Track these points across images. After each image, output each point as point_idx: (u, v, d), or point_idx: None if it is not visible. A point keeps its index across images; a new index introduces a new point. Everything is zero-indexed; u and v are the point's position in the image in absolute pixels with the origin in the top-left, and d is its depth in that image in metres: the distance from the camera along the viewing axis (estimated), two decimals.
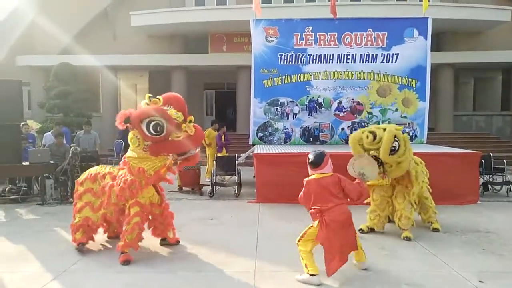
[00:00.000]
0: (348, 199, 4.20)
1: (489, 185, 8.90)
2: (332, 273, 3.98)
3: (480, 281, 4.11)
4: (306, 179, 4.21)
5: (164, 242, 5.28)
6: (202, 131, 4.88)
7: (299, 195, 4.28)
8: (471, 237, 5.67)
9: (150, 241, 5.19)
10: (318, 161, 4.13)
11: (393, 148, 5.00)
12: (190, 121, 4.65)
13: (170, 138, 4.51)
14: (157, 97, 4.68)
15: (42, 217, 6.95)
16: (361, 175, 4.54)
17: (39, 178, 8.07)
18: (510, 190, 8.73)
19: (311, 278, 3.97)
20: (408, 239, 5.43)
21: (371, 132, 5.13)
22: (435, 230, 5.94)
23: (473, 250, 5.14)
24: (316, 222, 4.07)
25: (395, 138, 5.02)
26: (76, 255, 4.93)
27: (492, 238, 5.64)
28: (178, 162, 4.78)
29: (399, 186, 5.59)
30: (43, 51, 17.82)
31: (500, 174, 9.12)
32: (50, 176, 8.03)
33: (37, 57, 17.75)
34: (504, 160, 9.60)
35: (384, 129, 5.13)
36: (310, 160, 4.17)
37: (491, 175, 9.14)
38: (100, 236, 5.48)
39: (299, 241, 4.15)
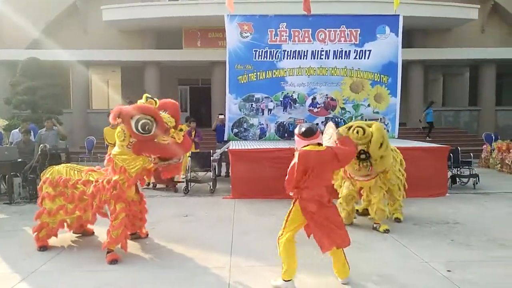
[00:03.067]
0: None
1: (457, 178, 9.20)
2: (326, 250, 3.83)
3: (448, 271, 4.26)
4: (301, 149, 3.78)
5: (135, 236, 5.30)
6: (190, 142, 4.85)
7: (289, 171, 3.81)
8: (440, 228, 5.86)
9: None
10: (312, 129, 3.82)
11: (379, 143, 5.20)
12: (181, 130, 4.64)
13: (156, 140, 4.47)
14: (155, 99, 4.60)
15: (10, 217, 6.72)
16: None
17: (7, 176, 7.79)
18: (477, 183, 9.05)
19: (284, 283, 3.81)
20: (387, 231, 5.59)
21: (359, 127, 5.28)
22: (397, 219, 6.14)
23: (442, 241, 5.31)
24: (292, 206, 3.86)
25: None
26: (46, 255, 4.80)
27: (460, 229, 5.84)
28: (161, 168, 4.75)
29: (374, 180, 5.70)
30: (9, 45, 17.18)
31: (467, 167, 9.45)
32: (18, 174, 7.77)
33: (3, 51, 17.10)
34: (471, 154, 9.96)
35: (367, 125, 5.35)
36: (303, 130, 3.83)
37: (459, 169, 9.45)
38: (68, 234, 5.38)
39: (281, 237, 3.85)
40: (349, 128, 5.36)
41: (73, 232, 5.45)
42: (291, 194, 3.93)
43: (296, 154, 3.85)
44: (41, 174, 5.24)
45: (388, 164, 5.48)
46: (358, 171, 5.42)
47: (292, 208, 3.90)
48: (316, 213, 3.77)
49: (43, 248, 4.97)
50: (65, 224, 5.18)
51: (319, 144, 3.89)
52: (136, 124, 4.38)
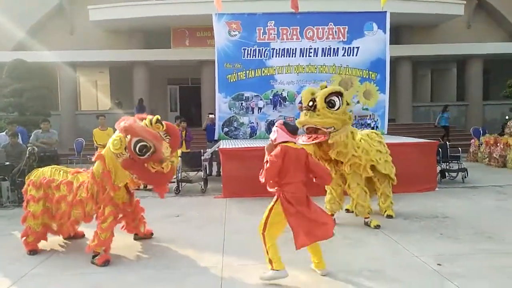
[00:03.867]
0: (314, 178, 4.08)
1: (446, 173, 9.31)
2: (301, 247, 3.87)
3: (438, 264, 4.31)
4: (282, 145, 3.91)
5: (138, 236, 5.34)
6: (173, 171, 4.80)
7: (268, 166, 3.86)
8: (429, 223, 5.93)
9: (114, 240, 5.07)
10: (296, 128, 4.01)
11: (332, 101, 5.09)
12: (172, 162, 4.64)
13: (146, 164, 4.45)
14: (163, 123, 4.53)
15: None
16: None
17: None
18: (466, 177, 9.16)
19: (277, 273, 3.87)
20: (378, 227, 5.60)
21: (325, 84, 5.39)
22: (389, 216, 6.17)
23: (431, 235, 5.37)
24: (274, 201, 3.93)
25: (338, 96, 5.13)
26: (36, 259, 4.75)
27: (449, 223, 5.91)
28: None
29: (350, 173, 5.65)
30: None
31: (456, 161, 9.56)
32: (6, 178, 7.67)
33: None
34: (459, 149, 10.08)
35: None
36: (292, 127, 4.00)
37: (447, 163, 9.56)
38: (58, 237, 5.33)
39: (264, 231, 3.91)
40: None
41: (63, 237, 5.38)
42: (271, 190, 3.99)
43: (271, 149, 3.98)
44: (26, 177, 5.18)
45: (328, 124, 5.12)
46: (300, 116, 5.35)
47: (273, 206, 3.94)
48: (298, 209, 3.83)
49: (33, 252, 4.92)
50: (49, 228, 5.10)
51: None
52: (135, 144, 4.35)
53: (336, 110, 5.14)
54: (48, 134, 9.14)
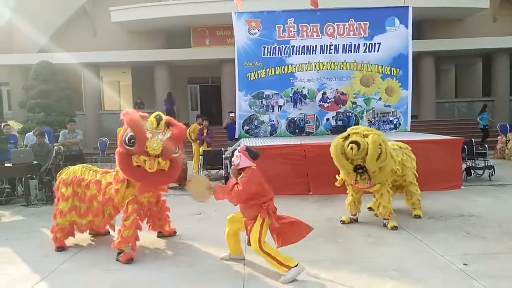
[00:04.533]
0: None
1: (472, 170, 9.08)
2: (285, 245, 4.03)
3: (464, 264, 4.22)
4: (250, 166, 4.10)
5: (161, 234, 5.44)
6: (174, 176, 4.75)
7: (241, 187, 3.98)
8: (455, 222, 5.80)
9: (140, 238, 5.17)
10: (258, 154, 4.20)
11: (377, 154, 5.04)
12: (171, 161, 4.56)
13: (132, 158, 4.44)
14: (162, 115, 4.57)
15: (27, 219, 6.85)
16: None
17: (23, 179, 7.94)
18: (492, 174, 8.92)
19: (295, 269, 3.91)
20: (395, 228, 5.47)
21: (353, 142, 5.07)
22: (417, 216, 6.04)
23: (457, 234, 5.26)
24: (260, 219, 4.04)
25: (379, 146, 5.05)
26: (64, 255, 4.89)
27: (475, 221, 5.77)
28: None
29: (376, 174, 5.56)
30: (21, 49, 17.45)
31: (482, 159, 9.32)
32: (34, 176, 7.91)
33: (16, 56, 17.39)
34: (486, 145, 9.81)
35: (364, 135, 5.11)
36: (254, 153, 4.15)
37: (473, 160, 9.33)
38: (85, 234, 5.46)
39: (260, 245, 3.97)
40: (345, 138, 5.23)
41: (89, 233, 5.53)
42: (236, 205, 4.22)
43: (235, 173, 4.20)
44: (57, 175, 5.33)
45: (387, 174, 5.27)
46: (355, 183, 5.38)
47: (262, 222, 4.03)
48: (280, 218, 4.06)
49: (61, 248, 5.06)
50: (75, 226, 5.21)
51: None
52: (126, 134, 4.44)
53: (380, 156, 5.07)
54: (74, 134, 9.41)
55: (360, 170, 5.11)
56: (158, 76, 17.65)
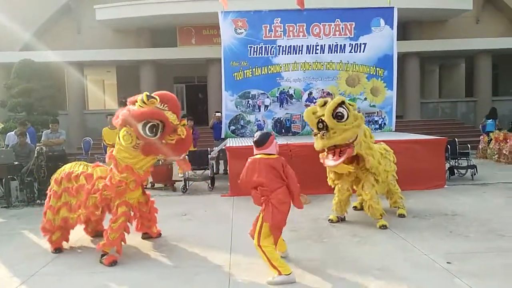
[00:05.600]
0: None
1: (455, 170, 9.22)
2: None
3: (447, 262, 4.27)
4: (251, 157, 4.10)
5: (146, 235, 5.37)
6: (191, 134, 4.87)
7: (241, 176, 4.09)
8: (438, 220, 5.87)
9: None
10: (262, 140, 4.04)
11: (339, 114, 5.06)
12: (184, 125, 4.63)
13: (163, 141, 4.46)
14: (154, 96, 4.51)
15: (7, 220, 6.69)
16: None
17: (3, 180, 7.76)
18: (475, 174, 9.06)
19: (286, 277, 3.87)
20: (384, 227, 5.51)
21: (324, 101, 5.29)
22: (401, 215, 6.09)
23: (441, 232, 5.32)
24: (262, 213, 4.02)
25: (343, 106, 5.09)
26: (45, 258, 4.78)
27: (458, 220, 5.85)
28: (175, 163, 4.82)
29: (365, 174, 5.60)
30: (3, 47, 17.06)
31: (465, 158, 9.46)
32: (15, 177, 7.74)
33: None
34: (469, 145, 9.98)
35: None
36: (254, 139, 4.11)
37: (456, 160, 9.47)
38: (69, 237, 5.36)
39: (258, 241, 3.95)
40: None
41: (91, 236, 5.46)
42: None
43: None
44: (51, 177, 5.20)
45: (349, 137, 5.14)
46: (316, 140, 5.31)
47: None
48: (286, 210, 4.00)
49: (58, 250, 4.96)
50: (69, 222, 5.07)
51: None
52: (144, 128, 4.35)
53: (347, 120, 5.09)
54: (57, 134, 9.25)
55: (321, 125, 5.10)
56: (144, 75, 17.47)
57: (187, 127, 4.70)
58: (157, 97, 4.50)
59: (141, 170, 4.67)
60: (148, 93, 4.49)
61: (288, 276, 3.87)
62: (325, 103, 5.17)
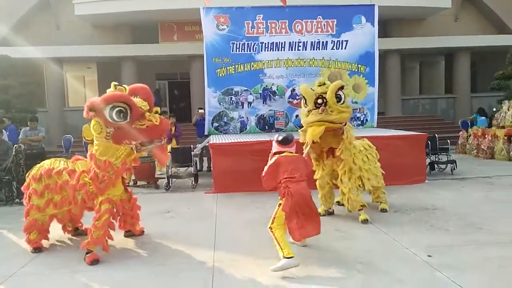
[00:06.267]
0: None
1: (435, 165, 9.40)
2: (298, 240, 4.34)
3: (428, 256, 4.35)
4: (276, 156, 4.36)
5: (129, 233, 5.30)
6: (168, 122, 4.87)
7: (263, 173, 4.36)
8: (419, 215, 5.98)
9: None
10: (290, 139, 4.42)
11: (338, 96, 5.24)
12: (156, 112, 4.61)
13: (133, 126, 4.41)
14: (123, 85, 4.53)
15: None
16: None
17: None
18: (454, 168, 9.25)
19: (288, 261, 3.94)
20: (366, 221, 5.57)
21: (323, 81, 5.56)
22: (383, 210, 6.18)
23: (421, 226, 5.41)
24: (280, 199, 4.21)
25: (341, 91, 5.34)
26: (25, 258, 4.68)
27: (439, 214, 5.97)
28: (150, 153, 4.89)
29: (343, 166, 5.61)
30: None
31: (445, 153, 9.66)
32: None
33: None
34: (448, 141, 10.19)
35: None
36: (282, 138, 4.42)
37: (436, 155, 9.65)
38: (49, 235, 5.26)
39: (272, 225, 4.16)
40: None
41: (72, 235, 5.37)
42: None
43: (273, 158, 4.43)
44: (26, 174, 5.09)
45: (344, 118, 5.34)
46: (310, 116, 5.33)
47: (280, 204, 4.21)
48: (302, 202, 4.17)
49: (38, 249, 4.85)
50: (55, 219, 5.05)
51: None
52: (111, 113, 4.31)
53: (343, 104, 5.29)
54: (35, 131, 9.04)
55: (320, 100, 5.22)
56: (125, 72, 17.21)
57: (161, 116, 4.65)
58: (126, 86, 4.56)
59: (117, 162, 4.57)
60: (116, 83, 4.53)
61: (290, 260, 3.96)
62: (323, 83, 5.41)
